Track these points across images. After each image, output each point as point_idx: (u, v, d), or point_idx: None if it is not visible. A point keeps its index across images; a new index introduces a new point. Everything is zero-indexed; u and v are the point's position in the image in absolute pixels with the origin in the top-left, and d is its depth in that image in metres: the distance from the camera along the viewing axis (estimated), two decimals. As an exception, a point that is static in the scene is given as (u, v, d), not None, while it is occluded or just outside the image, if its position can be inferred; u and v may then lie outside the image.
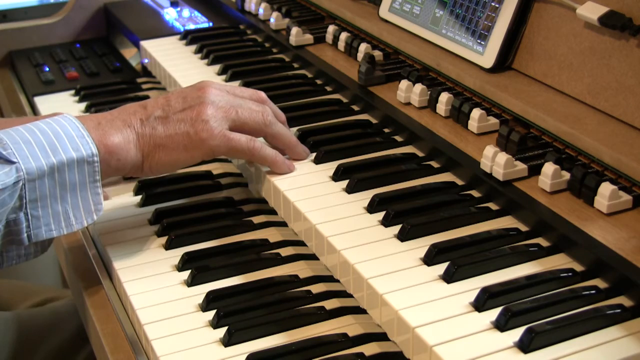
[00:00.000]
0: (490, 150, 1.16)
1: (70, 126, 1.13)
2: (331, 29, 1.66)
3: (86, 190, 1.13)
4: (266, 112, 1.27)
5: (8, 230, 1.08)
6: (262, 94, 1.32)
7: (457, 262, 1.01)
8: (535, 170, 1.15)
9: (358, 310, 1.11)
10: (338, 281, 1.10)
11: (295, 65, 1.68)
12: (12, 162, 1.06)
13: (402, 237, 1.09)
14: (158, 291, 1.16)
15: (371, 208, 1.16)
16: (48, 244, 1.20)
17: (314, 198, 1.20)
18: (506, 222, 1.12)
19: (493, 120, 1.28)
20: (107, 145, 1.15)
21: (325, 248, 1.11)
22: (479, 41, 1.37)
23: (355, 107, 1.47)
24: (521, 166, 1.15)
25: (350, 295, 1.08)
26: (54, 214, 1.11)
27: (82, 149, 1.12)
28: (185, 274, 1.19)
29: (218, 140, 1.21)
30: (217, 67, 1.69)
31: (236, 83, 1.59)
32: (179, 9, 2.09)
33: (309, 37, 1.69)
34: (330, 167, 1.27)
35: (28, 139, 1.09)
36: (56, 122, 1.13)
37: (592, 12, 1.18)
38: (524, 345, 0.89)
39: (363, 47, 1.56)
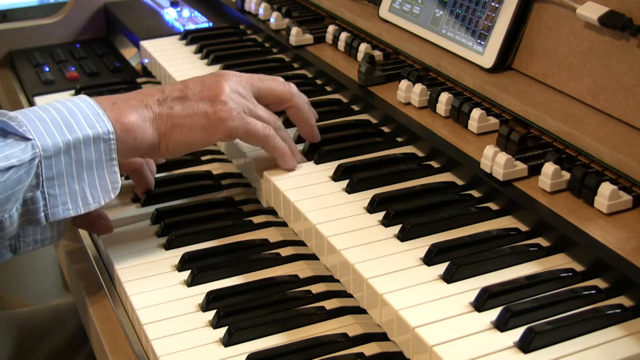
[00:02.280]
0: (490, 150, 1.16)
1: (86, 105, 1.13)
2: (331, 29, 1.66)
3: (103, 169, 1.12)
4: (292, 85, 1.29)
5: (25, 210, 1.08)
6: (280, 79, 1.33)
7: (457, 262, 1.01)
8: (535, 170, 1.15)
9: (358, 310, 1.11)
10: (338, 281, 1.10)
11: (295, 65, 1.68)
12: (27, 139, 1.06)
13: (402, 237, 1.09)
14: (158, 291, 1.16)
15: (371, 208, 1.16)
16: (65, 229, 1.20)
17: (314, 198, 1.20)
18: (506, 222, 1.12)
19: (493, 120, 1.28)
20: (124, 123, 1.14)
21: (325, 248, 1.11)
22: (479, 41, 1.37)
23: (355, 107, 1.47)
24: (521, 166, 1.15)
25: (350, 295, 1.08)
26: (71, 192, 1.10)
27: (97, 127, 1.11)
28: (185, 274, 1.19)
29: (236, 122, 1.20)
30: (217, 67, 1.69)
31: (236, 83, 1.59)
32: (179, 9, 2.09)
33: (309, 37, 1.69)
34: (330, 167, 1.27)
35: (43, 117, 1.09)
36: (71, 101, 1.13)
37: (592, 12, 1.18)
38: (524, 345, 0.89)
39: (363, 47, 1.56)
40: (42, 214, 1.09)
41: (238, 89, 1.23)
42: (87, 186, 1.12)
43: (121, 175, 1.37)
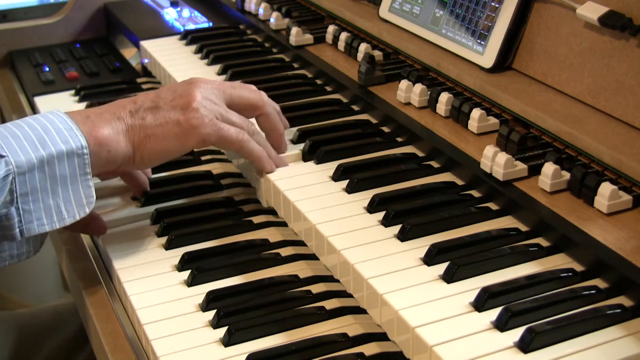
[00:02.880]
0: (490, 150, 1.16)
1: (59, 120, 1.13)
2: (331, 29, 1.66)
3: (77, 183, 1.12)
4: (263, 93, 1.29)
5: (0, 226, 1.08)
6: (253, 87, 1.33)
7: (457, 262, 1.01)
8: (535, 170, 1.15)
9: (358, 310, 1.11)
10: (338, 281, 1.10)
11: (295, 65, 1.68)
12: (1, 156, 1.06)
13: (402, 237, 1.09)
14: (158, 291, 1.16)
15: (371, 208, 1.16)
16: (40, 244, 1.20)
17: (314, 198, 1.20)
18: (506, 222, 1.12)
19: (493, 120, 1.28)
20: (97, 137, 1.14)
21: (325, 248, 1.11)
22: (479, 41, 1.37)
23: (355, 107, 1.47)
24: (521, 166, 1.15)
25: (350, 295, 1.08)
26: (46, 207, 1.10)
27: (71, 142, 1.11)
28: (185, 274, 1.19)
29: (209, 128, 1.20)
30: (217, 67, 1.69)
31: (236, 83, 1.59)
32: (179, 9, 2.09)
33: (309, 37, 1.69)
34: (330, 167, 1.27)
35: (16, 133, 1.09)
36: (44, 117, 1.13)
37: (592, 12, 1.18)
38: (524, 345, 0.89)
39: (363, 47, 1.56)
40: (17, 229, 1.09)
41: (209, 96, 1.23)
42: (62, 201, 1.12)
43: (113, 179, 1.37)
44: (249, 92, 1.29)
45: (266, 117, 1.30)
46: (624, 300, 0.96)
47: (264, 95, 1.30)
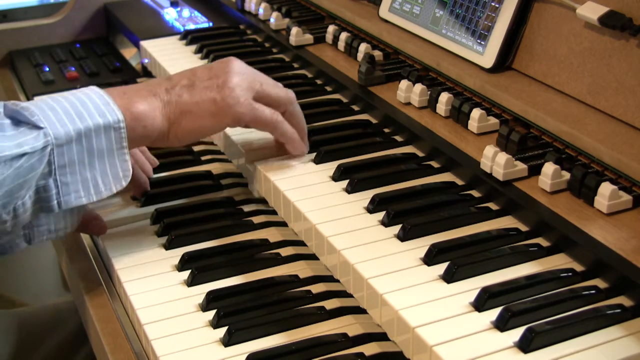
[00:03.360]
0: (490, 150, 1.16)
1: (96, 95, 1.15)
2: (331, 29, 1.66)
3: (114, 157, 1.14)
4: (290, 91, 1.30)
5: (38, 197, 1.09)
6: (279, 83, 1.33)
7: (457, 262, 1.01)
8: (535, 170, 1.15)
9: (358, 310, 1.11)
10: (338, 281, 1.10)
11: (295, 65, 1.68)
12: (40, 128, 1.07)
13: (402, 237, 1.09)
14: (158, 291, 1.16)
15: (371, 208, 1.16)
16: (78, 219, 1.21)
17: (314, 198, 1.20)
18: (506, 222, 1.12)
19: (493, 120, 1.28)
20: (133, 112, 1.16)
21: (325, 248, 1.11)
22: (479, 41, 1.37)
23: (355, 107, 1.47)
24: (521, 166, 1.15)
25: (350, 295, 1.08)
26: (83, 180, 1.12)
27: (108, 116, 1.13)
28: (185, 274, 1.19)
29: (244, 108, 1.22)
30: (217, 67, 1.69)
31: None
32: (179, 9, 2.09)
33: (309, 37, 1.69)
34: (330, 167, 1.27)
35: (54, 106, 1.11)
36: (81, 92, 1.15)
37: (592, 12, 1.18)
38: (524, 345, 0.89)
39: (363, 47, 1.56)
40: (55, 201, 1.10)
41: (245, 72, 1.25)
42: (99, 174, 1.13)
43: None
44: (278, 89, 1.29)
45: (292, 115, 1.30)
46: (624, 300, 0.96)
47: (291, 93, 1.31)
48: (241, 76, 1.24)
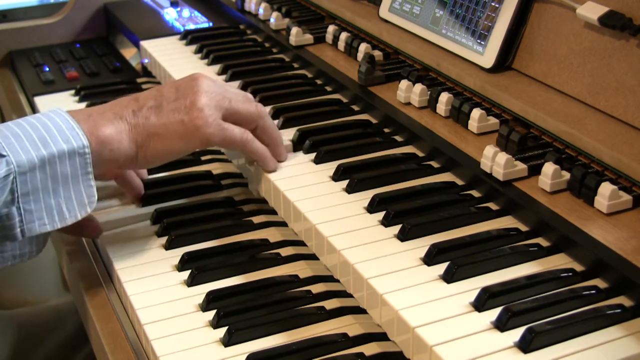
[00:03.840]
0: (490, 150, 1.16)
1: (60, 119, 1.13)
2: (331, 29, 1.66)
3: (79, 183, 1.12)
4: (259, 105, 1.28)
5: (1, 226, 1.08)
6: (249, 95, 1.32)
7: (457, 262, 1.01)
8: (535, 170, 1.15)
9: (358, 310, 1.11)
10: (338, 281, 1.10)
11: (295, 65, 1.68)
12: (2, 156, 1.06)
13: (402, 237, 1.09)
14: (158, 291, 1.16)
15: (371, 208, 1.16)
16: (43, 244, 1.19)
17: (314, 198, 1.20)
18: (506, 222, 1.12)
19: (493, 120, 1.28)
20: (99, 136, 1.14)
21: (325, 248, 1.11)
22: (479, 41, 1.37)
23: (355, 107, 1.47)
24: (521, 166, 1.15)
25: (350, 295, 1.08)
26: (47, 207, 1.10)
27: (72, 141, 1.11)
28: (185, 274, 1.19)
29: (213, 129, 1.20)
30: (217, 67, 1.69)
31: (236, 83, 1.59)
32: (179, 9, 2.09)
33: (309, 37, 1.69)
34: (330, 167, 1.27)
35: (17, 132, 1.09)
36: (45, 116, 1.13)
37: (592, 12, 1.18)
38: (524, 345, 0.89)
39: (363, 47, 1.56)
40: (19, 229, 1.09)
41: (212, 91, 1.22)
42: (63, 201, 1.11)
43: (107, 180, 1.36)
44: (248, 105, 1.27)
45: (263, 130, 1.28)
46: (624, 300, 0.96)
47: (261, 107, 1.28)
48: (209, 95, 1.21)
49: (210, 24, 1.99)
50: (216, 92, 1.23)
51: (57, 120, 1.12)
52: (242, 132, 1.24)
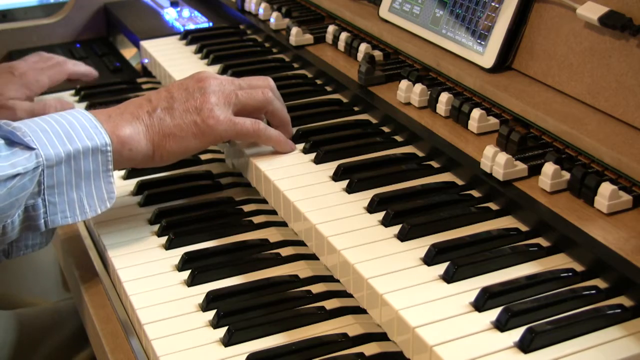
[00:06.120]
0: (490, 150, 1.16)
1: (84, 118, 1.18)
2: (331, 29, 1.66)
3: (100, 179, 1.17)
4: (266, 90, 1.33)
5: (26, 216, 1.12)
6: (254, 81, 1.36)
7: (457, 262, 1.01)
8: (535, 170, 1.15)
9: (358, 310, 1.11)
10: (338, 281, 1.10)
11: (295, 65, 1.68)
12: (32, 149, 1.10)
13: (402, 237, 1.09)
14: (158, 291, 1.16)
15: (371, 208, 1.16)
16: (51, 236, 1.24)
17: (314, 198, 1.20)
18: (506, 222, 1.12)
19: (493, 120, 1.28)
20: (119, 136, 1.19)
21: (325, 248, 1.11)
22: (479, 41, 1.37)
23: (355, 107, 1.47)
24: (521, 166, 1.15)
25: (350, 295, 1.08)
26: (70, 201, 1.15)
27: (96, 139, 1.16)
28: (185, 274, 1.19)
29: (225, 126, 1.25)
30: (217, 67, 1.69)
31: (236, 83, 1.59)
32: (179, 9, 2.09)
33: (309, 37, 1.69)
34: (330, 167, 1.27)
35: (45, 128, 1.14)
36: (70, 114, 1.18)
37: (592, 12, 1.18)
38: (524, 345, 0.89)
39: (363, 47, 1.56)
40: (42, 220, 1.13)
41: (220, 89, 1.28)
42: (85, 195, 1.16)
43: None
44: (255, 94, 1.31)
45: (273, 114, 1.34)
46: (624, 300, 0.96)
47: (267, 92, 1.32)
48: (217, 94, 1.27)
49: (210, 24, 1.99)
50: (223, 90, 1.28)
51: (81, 118, 1.17)
52: (253, 122, 1.28)
